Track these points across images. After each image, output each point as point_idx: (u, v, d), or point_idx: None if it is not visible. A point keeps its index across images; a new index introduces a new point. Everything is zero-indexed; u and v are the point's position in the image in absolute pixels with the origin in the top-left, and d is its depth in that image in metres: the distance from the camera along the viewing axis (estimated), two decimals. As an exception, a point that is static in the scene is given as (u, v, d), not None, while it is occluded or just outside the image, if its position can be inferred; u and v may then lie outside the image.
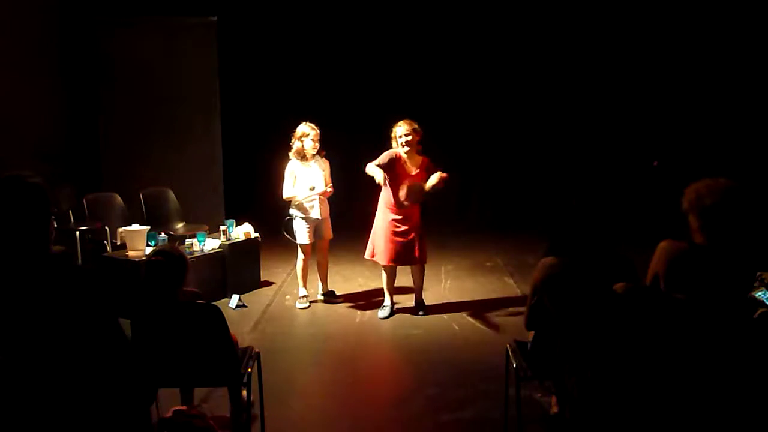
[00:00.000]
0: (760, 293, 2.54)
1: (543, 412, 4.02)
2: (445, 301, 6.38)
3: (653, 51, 9.16)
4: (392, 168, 5.64)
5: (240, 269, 6.58)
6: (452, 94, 9.67)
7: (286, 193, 5.98)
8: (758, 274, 2.56)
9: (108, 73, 8.33)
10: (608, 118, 9.47)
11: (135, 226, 6.11)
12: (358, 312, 6.12)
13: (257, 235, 6.85)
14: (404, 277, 6.18)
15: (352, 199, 7.79)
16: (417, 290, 6.05)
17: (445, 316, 5.97)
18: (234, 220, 6.87)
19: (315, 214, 6.02)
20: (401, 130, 5.59)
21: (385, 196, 5.76)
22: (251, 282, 6.77)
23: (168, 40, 8.39)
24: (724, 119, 8.99)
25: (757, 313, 2.46)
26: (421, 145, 5.69)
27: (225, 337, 3.42)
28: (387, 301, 6.02)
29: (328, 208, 6.15)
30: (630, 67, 9.27)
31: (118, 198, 7.11)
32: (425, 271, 6.03)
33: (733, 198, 2.58)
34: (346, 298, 6.47)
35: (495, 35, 9.58)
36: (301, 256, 6.17)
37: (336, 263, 6.63)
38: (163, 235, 6.19)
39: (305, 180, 5.93)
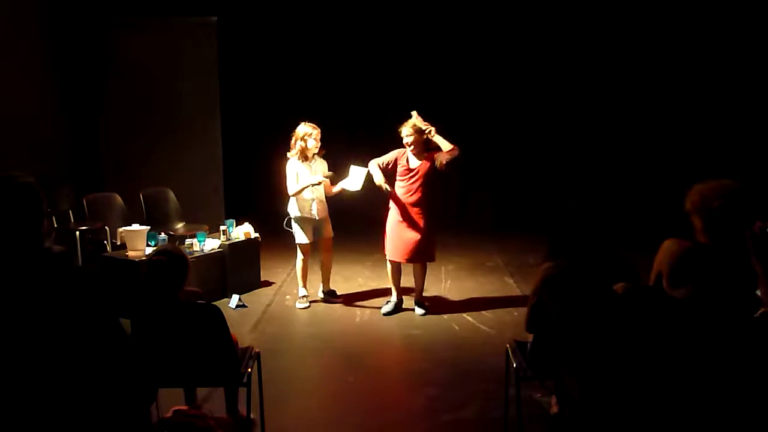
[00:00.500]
0: None
1: (543, 412, 4.02)
2: (445, 301, 6.38)
3: (653, 51, 9.16)
4: (393, 166, 5.82)
5: (240, 269, 6.58)
6: (452, 94, 9.66)
7: (293, 189, 5.96)
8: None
9: (108, 73, 8.33)
10: (608, 119, 9.47)
11: (135, 226, 6.11)
12: (358, 312, 6.12)
13: (257, 235, 6.85)
14: (405, 276, 6.18)
15: (352, 199, 7.78)
16: (417, 290, 6.07)
17: (445, 316, 5.97)
18: (234, 220, 6.87)
19: (313, 214, 6.02)
20: (404, 131, 5.77)
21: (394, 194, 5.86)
22: (251, 282, 6.77)
23: (168, 40, 8.39)
24: (724, 119, 9.00)
25: (759, 312, 2.46)
26: (427, 143, 5.80)
27: (225, 337, 3.42)
28: (393, 298, 6.08)
29: (326, 207, 6.15)
30: (630, 67, 9.27)
31: (118, 198, 7.11)
32: (427, 271, 6.05)
33: (739, 200, 2.59)
34: (346, 298, 6.47)
35: (495, 36, 9.58)
36: (300, 256, 6.18)
37: (336, 263, 6.64)
38: (163, 235, 6.19)
39: (307, 179, 5.94)
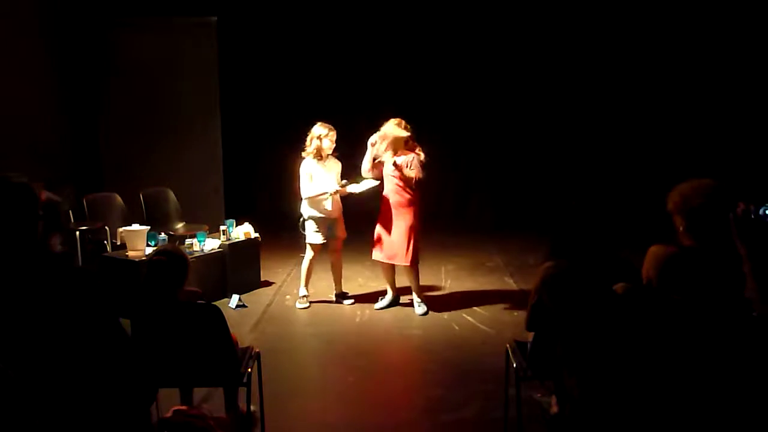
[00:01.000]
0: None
1: (543, 412, 4.02)
2: (444, 301, 6.38)
3: (653, 52, 9.16)
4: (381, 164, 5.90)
5: (240, 269, 6.58)
6: (452, 94, 9.67)
7: (307, 192, 5.93)
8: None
9: (108, 73, 8.33)
10: (609, 119, 9.46)
11: (135, 226, 6.11)
12: (358, 312, 6.12)
13: (257, 235, 6.84)
14: (400, 276, 6.16)
15: (352, 200, 7.78)
16: (413, 290, 6.06)
17: (445, 315, 5.97)
18: (234, 220, 6.86)
19: (329, 211, 5.98)
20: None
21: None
22: (251, 282, 6.77)
23: (168, 40, 8.39)
24: (724, 119, 9.00)
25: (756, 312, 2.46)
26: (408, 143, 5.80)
27: (225, 337, 3.42)
28: (388, 294, 6.12)
29: (341, 206, 6.12)
30: (630, 67, 9.26)
31: (118, 198, 7.10)
32: (425, 271, 6.05)
33: (719, 197, 2.57)
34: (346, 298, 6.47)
35: (494, 37, 9.57)
36: (309, 255, 6.13)
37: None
38: (163, 235, 6.19)
39: (321, 179, 5.91)
